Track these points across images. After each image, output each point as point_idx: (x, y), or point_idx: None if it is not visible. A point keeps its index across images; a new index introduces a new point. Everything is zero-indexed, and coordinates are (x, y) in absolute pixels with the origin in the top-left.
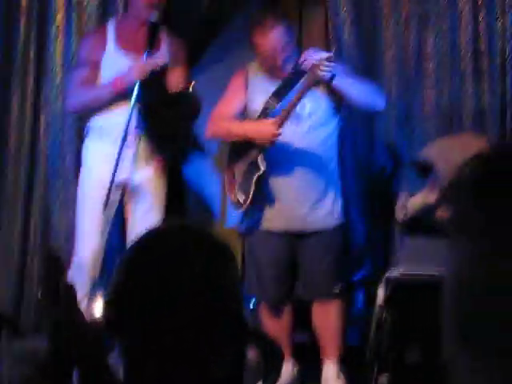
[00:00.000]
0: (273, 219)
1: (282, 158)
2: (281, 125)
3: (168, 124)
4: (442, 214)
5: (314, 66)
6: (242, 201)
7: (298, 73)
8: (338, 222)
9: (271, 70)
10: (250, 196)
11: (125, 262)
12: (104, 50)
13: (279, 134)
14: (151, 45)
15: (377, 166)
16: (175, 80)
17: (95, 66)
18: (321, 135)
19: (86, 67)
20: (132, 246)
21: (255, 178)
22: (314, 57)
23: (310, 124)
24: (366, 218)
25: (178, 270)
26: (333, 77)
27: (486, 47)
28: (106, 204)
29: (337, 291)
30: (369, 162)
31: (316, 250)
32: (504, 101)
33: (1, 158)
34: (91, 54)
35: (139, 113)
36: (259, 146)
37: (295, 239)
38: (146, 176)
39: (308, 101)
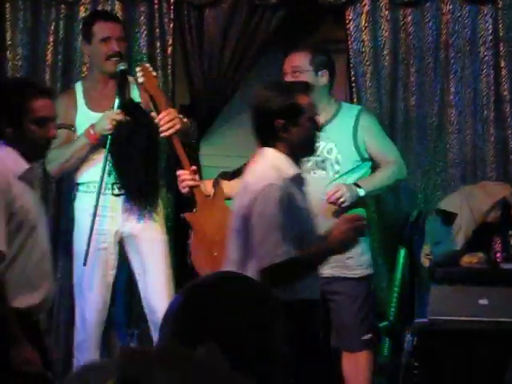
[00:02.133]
0: None
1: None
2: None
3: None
4: (467, 260)
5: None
6: None
7: None
8: (364, 272)
9: None
10: None
11: (175, 312)
12: (76, 112)
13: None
14: (121, 94)
15: (402, 214)
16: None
17: (70, 129)
18: (347, 182)
19: (62, 129)
20: (181, 297)
21: None
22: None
23: (337, 169)
24: (391, 266)
25: (231, 318)
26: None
27: (508, 93)
28: (87, 255)
29: (364, 341)
30: (394, 211)
31: (343, 298)
32: None
33: None
34: (65, 116)
35: (111, 163)
36: None
37: (325, 285)
38: (141, 226)
39: (335, 146)
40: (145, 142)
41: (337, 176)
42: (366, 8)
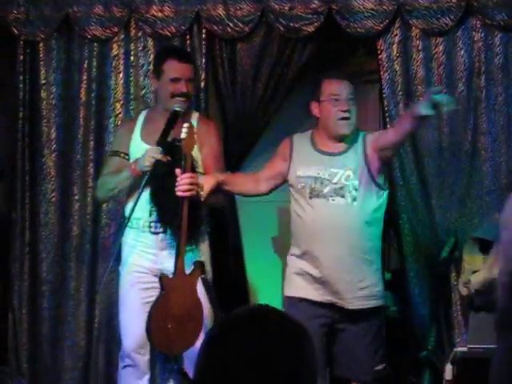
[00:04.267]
0: (313, 290)
1: (324, 227)
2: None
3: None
4: None
5: None
6: None
7: None
8: (377, 303)
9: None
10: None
11: (207, 346)
12: (131, 140)
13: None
14: (165, 133)
15: (438, 242)
16: (205, 164)
17: (124, 157)
18: (365, 209)
19: (116, 156)
20: (213, 331)
21: None
22: None
23: (354, 195)
24: (428, 295)
25: (262, 353)
26: None
27: None
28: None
29: (376, 372)
30: (429, 240)
31: (355, 329)
32: None
33: (63, 250)
34: (120, 144)
35: (150, 201)
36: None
37: (335, 313)
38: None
39: (353, 173)
40: None
41: (355, 203)
42: (398, 38)
